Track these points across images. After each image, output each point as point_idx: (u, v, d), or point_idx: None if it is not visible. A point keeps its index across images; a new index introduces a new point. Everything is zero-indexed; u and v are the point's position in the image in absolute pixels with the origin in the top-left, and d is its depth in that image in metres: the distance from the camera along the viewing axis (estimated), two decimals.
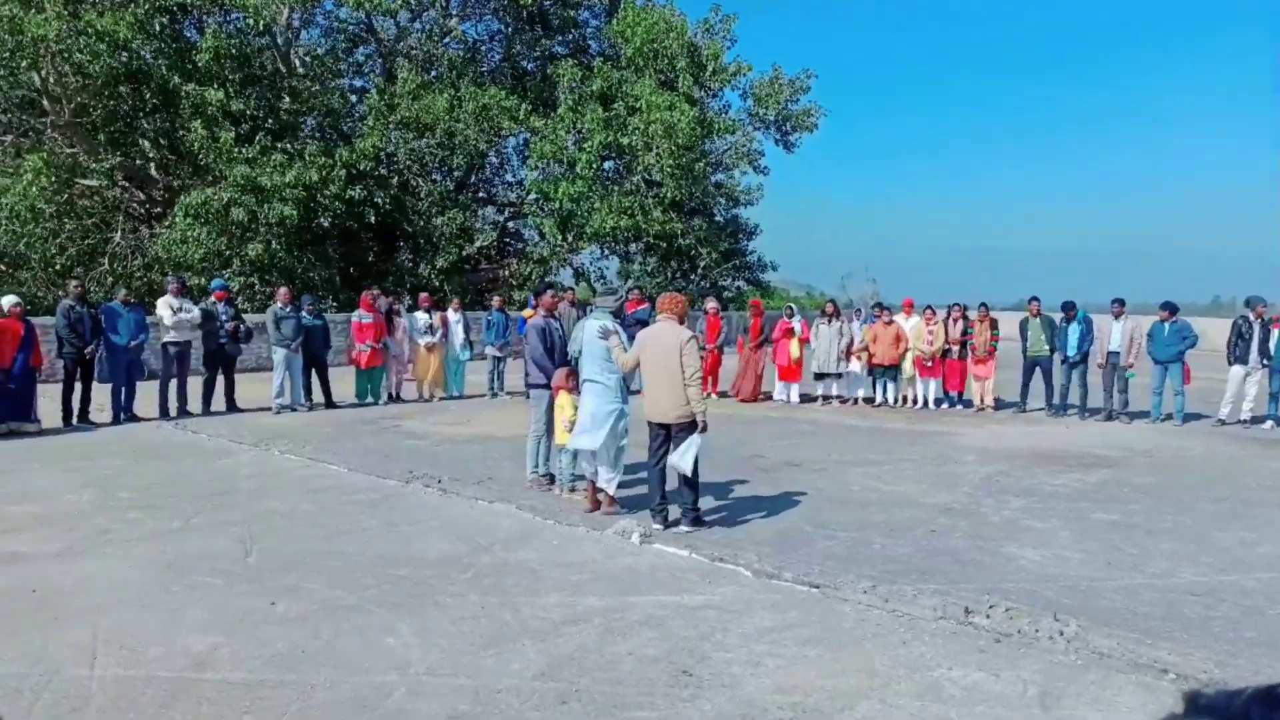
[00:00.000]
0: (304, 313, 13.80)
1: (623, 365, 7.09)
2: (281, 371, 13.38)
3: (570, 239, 29.09)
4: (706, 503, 7.42)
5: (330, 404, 13.95)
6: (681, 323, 7.08)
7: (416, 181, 27.62)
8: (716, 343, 15.27)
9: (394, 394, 14.86)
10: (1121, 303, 13.54)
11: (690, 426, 6.86)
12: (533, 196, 29.24)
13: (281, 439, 10.91)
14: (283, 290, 13.75)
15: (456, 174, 29.83)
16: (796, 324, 15.40)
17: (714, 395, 15.28)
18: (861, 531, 6.94)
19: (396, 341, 14.73)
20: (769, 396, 15.75)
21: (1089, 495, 8.39)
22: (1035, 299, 14.20)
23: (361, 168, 24.75)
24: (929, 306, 14.84)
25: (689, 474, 6.83)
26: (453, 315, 15.49)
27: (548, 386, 8.19)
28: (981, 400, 14.37)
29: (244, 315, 14.66)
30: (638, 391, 13.79)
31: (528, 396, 8.72)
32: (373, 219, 26.10)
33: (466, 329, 15.65)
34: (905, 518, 7.41)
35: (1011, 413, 14.20)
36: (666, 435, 6.96)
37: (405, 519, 7.18)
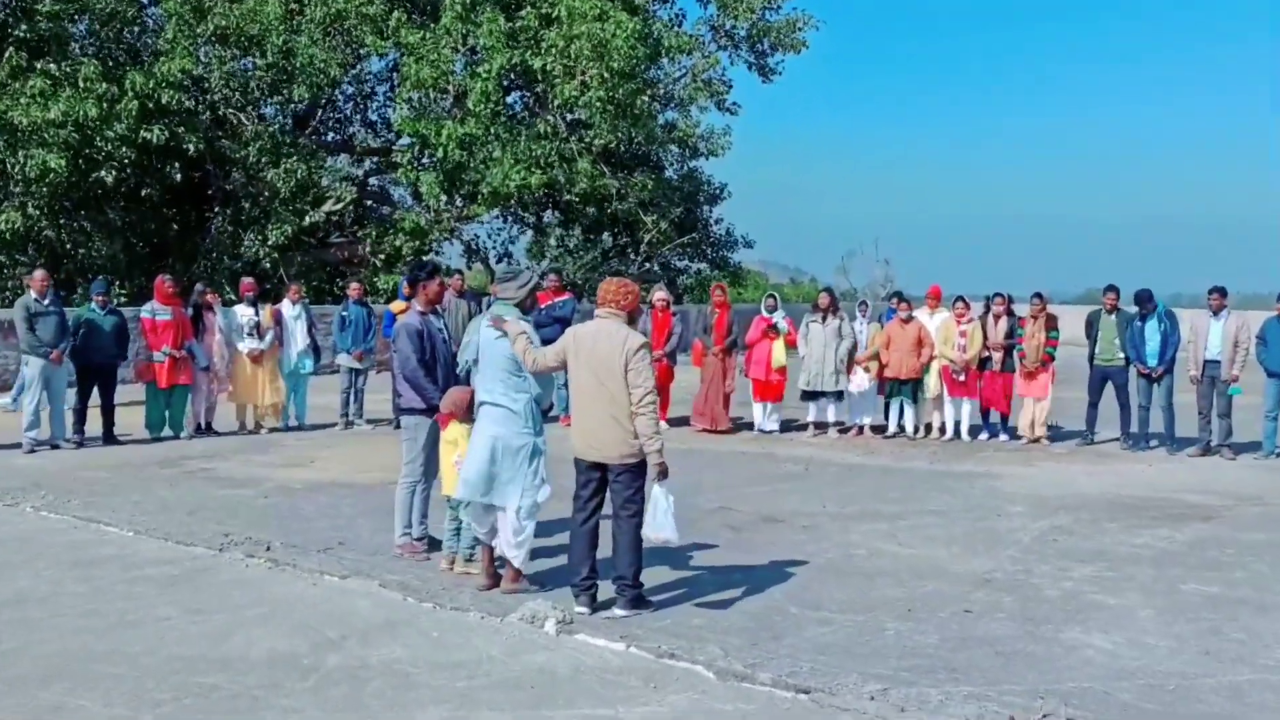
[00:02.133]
0: (93, 303, 13.69)
1: (533, 363, 7.03)
2: (37, 391, 13.08)
3: (459, 201, 28.90)
4: (652, 575, 7.39)
5: (110, 438, 13.69)
6: (632, 323, 7.05)
7: (239, 119, 27.27)
8: (666, 348, 15.31)
9: (203, 423, 14.63)
10: (1222, 293, 13.85)
11: (638, 470, 6.84)
12: (405, 141, 29.02)
13: (38, 489, 10.66)
14: (38, 274, 13.47)
15: (296, 109, 29.51)
16: (780, 321, 15.53)
17: (664, 423, 15.31)
18: (868, 613, 6.98)
19: (208, 348, 14.49)
20: (739, 425, 15.82)
21: (1179, 559, 8.56)
22: (1112, 288, 14.49)
23: (161, 100, 24.36)
24: (961, 298, 15.09)
25: (675, 541, 6.85)
26: (290, 309, 15.31)
27: (426, 413, 8.10)
28: (1033, 428, 14.64)
29: None
30: (556, 418, 13.62)
31: (397, 426, 8.57)
32: (176, 173, 25.63)
33: (310, 329, 15.46)
34: (928, 593, 7.47)
35: (1074, 445, 14.49)
36: (601, 481, 6.94)
37: (218, 603, 7.03)
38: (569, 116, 28.30)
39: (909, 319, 14.92)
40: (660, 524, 6.75)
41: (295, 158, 27.14)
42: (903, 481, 11.87)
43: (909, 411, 15.11)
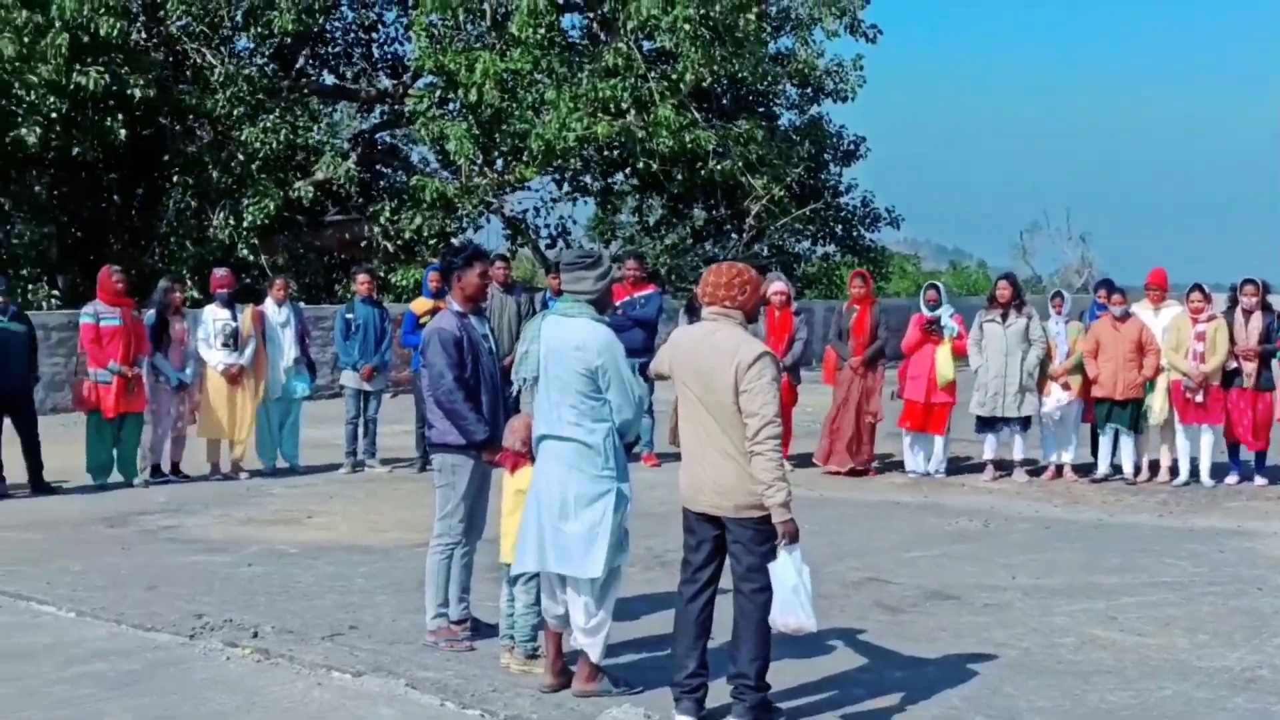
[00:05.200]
0: None
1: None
2: None
3: (500, 162, 28.97)
4: (781, 673, 7.32)
5: (39, 485, 13.87)
6: (751, 322, 7.02)
7: (203, 59, 27.60)
8: (787, 359, 15.20)
9: (161, 463, 14.79)
10: None
11: (768, 527, 6.73)
12: (424, 83, 29.17)
13: None
14: None
15: (279, 44, 29.85)
16: (946, 319, 15.38)
17: (787, 463, 15.21)
18: None
19: (178, 362, 14.64)
20: (887, 465, 15.70)
21: None
22: None
23: (99, 32, 24.74)
24: (1198, 287, 14.87)
25: (811, 628, 6.74)
26: (275, 312, 15.43)
27: (466, 450, 8.10)
28: None
29: None
30: (639, 456, 13.54)
31: (424, 468, 8.52)
32: (121, 130, 26.00)
33: (303, 338, 15.58)
34: (1166, 698, 7.36)
35: None
36: (718, 542, 6.89)
37: (190, 710, 7.05)
38: (647, 45, 28.32)
39: (1125, 316, 14.72)
40: (789, 605, 6.64)
41: (278, 111, 27.42)
42: (1122, 542, 11.66)
43: (1126, 445, 14.90)
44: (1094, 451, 15.16)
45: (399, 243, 28.40)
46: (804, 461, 15.63)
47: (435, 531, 8.32)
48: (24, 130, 24.19)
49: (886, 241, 40.97)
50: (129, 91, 25.29)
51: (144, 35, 26.67)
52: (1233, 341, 14.41)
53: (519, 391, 8.52)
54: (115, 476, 14.33)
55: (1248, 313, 14.51)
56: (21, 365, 13.87)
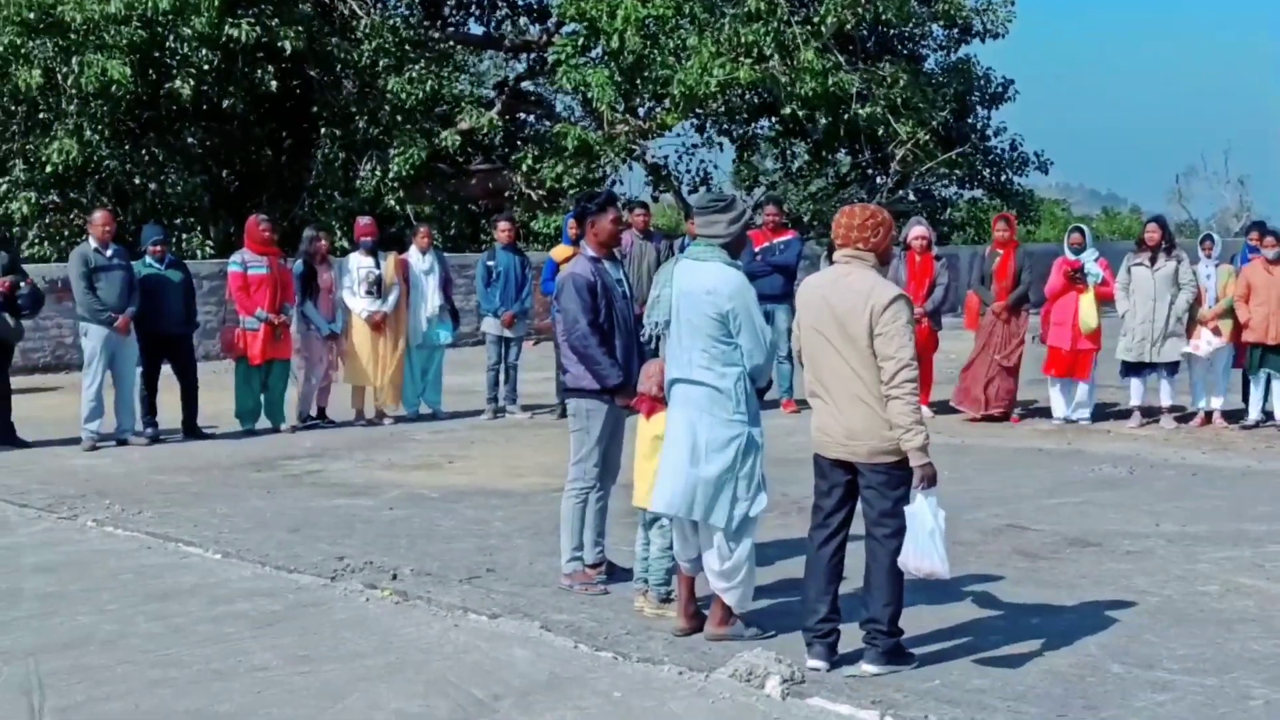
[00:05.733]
0: (148, 256, 14.03)
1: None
2: (99, 371, 13.58)
3: (642, 110, 28.88)
4: (914, 618, 7.26)
5: (192, 430, 14.17)
6: (884, 264, 6.94)
7: (351, 9, 27.84)
8: (927, 304, 15.04)
9: (311, 411, 15.03)
10: None
11: (899, 472, 6.71)
12: (568, 30, 29.16)
13: (100, 498, 11.04)
14: (98, 216, 13.93)
15: None
16: (1090, 264, 15.11)
17: (927, 409, 15.07)
18: (1225, 675, 6.74)
19: (327, 310, 14.87)
20: (1030, 411, 15.51)
21: None
22: None
23: None
24: None
25: (943, 573, 6.72)
26: (419, 260, 15.56)
27: (600, 394, 8.12)
28: None
29: (26, 266, 14.85)
30: (776, 402, 13.48)
31: (564, 414, 8.54)
32: (271, 82, 26.35)
33: (445, 284, 15.69)
34: None
35: None
36: (849, 487, 6.86)
37: (330, 650, 7.16)
38: None
39: (1278, 260, 14.33)
40: (923, 550, 6.60)
41: (423, 61, 27.57)
42: (1272, 490, 11.41)
43: (1278, 390, 14.53)
44: (1245, 398, 14.85)
45: (541, 191, 28.47)
46: (945, 408, 15.48)
47: (570, 476, 8.35)
48: (178, 83, 24.54)
49: (1037, 186, 40.31)
50: (279, 44, 25.56)
51: None
52: None
53: (653, 336, 8.51)
54: (263, 422, 14.59)
55: None
56: (179, 311, 14.16)
